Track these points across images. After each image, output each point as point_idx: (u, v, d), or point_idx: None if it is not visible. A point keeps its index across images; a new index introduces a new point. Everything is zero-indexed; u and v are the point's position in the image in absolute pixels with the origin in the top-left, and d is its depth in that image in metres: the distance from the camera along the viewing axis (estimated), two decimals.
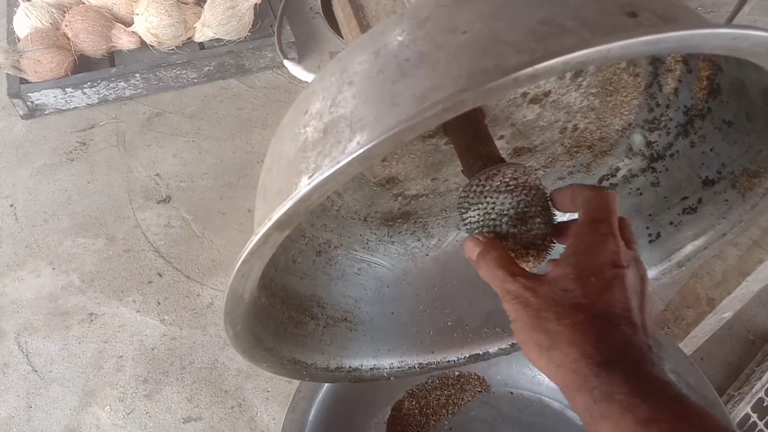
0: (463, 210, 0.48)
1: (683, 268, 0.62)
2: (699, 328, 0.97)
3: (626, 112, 0.62)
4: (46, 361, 1.28)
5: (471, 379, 0.91)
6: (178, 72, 1.66)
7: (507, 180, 0.46)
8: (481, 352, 0.67)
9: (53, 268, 1.40)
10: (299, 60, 1.77)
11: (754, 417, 1.11)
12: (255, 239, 0.36)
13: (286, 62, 0.72)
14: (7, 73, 1.57)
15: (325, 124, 0.37)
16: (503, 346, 0.67)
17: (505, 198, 0.46)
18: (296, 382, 0.87)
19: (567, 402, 0.38)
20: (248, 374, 1.26)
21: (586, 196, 0.43)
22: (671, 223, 0.62)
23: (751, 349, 1.29)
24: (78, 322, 1.33)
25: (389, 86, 0.35)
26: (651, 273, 0.64)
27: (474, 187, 0.47)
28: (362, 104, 0.35)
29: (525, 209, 0.45)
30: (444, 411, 0.95)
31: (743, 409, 1.14)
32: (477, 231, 0.47)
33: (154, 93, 1.68)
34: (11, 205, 1.49)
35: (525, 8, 0.35)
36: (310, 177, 0.35)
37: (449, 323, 0.68)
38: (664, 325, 1.03)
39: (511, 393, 0.91)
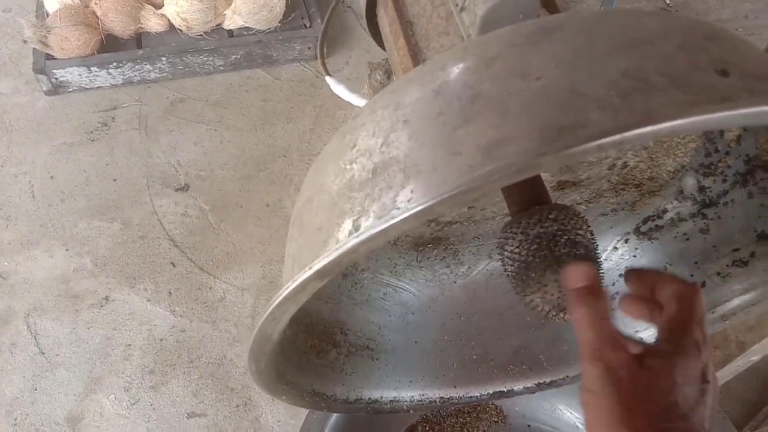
0: (507, 258, 0.45)
1: (727, 321, 0.59)
2: (725, 370, 0.94)
3: (681, 154, 0.58)
4: (53, 344, 1.26)
5: (488, 409, 0.88)
6: (205, 58, 1.63)
7: (560, 223, 0.43)
8: (505, 390, 0.64)
9: (67, 250, 1.38)
10: (327, 54, 1.74)
11: None
12: (292, 286, 0.33)
13: (328, 79, 0.69)
14: (33, 48, 1.55)
15: (374, 164, 0.34)
16: (529, 385, 0.65)
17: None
18: None
19: None
20: None
21: (679, 291, 0.40)
22: (718, 273, 0.58)
23: None
24: (88, 306, 1.31)
25: (450, 132, 0.32)
26: None
27: (523, 226, 0.44)
28: (418, 148, 0.32)
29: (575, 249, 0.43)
30: None
31: None
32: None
33: (179, 78, 1.66)
34: (30, 182, 1.47)
35: (606, 55, 0.32)
36: (355, 221, 0.33)
37: (474, 357, 0.65)
38: None
39: (529, 426, 0.88)
